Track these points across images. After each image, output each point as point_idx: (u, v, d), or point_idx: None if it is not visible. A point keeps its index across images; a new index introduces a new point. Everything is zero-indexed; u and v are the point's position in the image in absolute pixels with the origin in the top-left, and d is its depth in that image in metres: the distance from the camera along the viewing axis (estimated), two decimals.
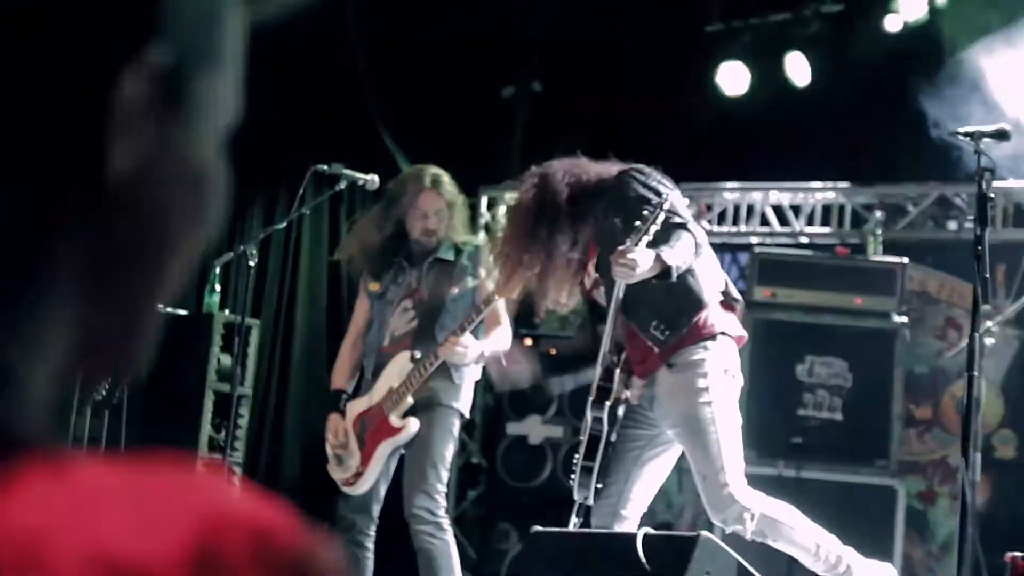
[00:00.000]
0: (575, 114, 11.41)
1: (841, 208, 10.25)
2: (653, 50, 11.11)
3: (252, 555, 0.68)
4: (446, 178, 6.82)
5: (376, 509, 6.63)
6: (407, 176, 6.96)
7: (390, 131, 10.69)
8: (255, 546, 0.69)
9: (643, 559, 4.50)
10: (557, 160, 5.94)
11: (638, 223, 4.97)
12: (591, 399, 5.37)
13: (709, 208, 10.52)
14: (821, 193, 10.23)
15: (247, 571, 0.68)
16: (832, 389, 8.54)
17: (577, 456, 5.32)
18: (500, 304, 6.53)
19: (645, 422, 5.36)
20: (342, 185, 7.11)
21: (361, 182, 7.05)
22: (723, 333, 5.31)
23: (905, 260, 8.75)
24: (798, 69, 10.33)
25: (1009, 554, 4.07)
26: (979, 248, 4.66)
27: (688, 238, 5.13)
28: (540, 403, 9.57)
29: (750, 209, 10.44)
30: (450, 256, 6.65)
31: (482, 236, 6.98)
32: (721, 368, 5.29)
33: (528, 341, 9.96)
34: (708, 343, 5.26)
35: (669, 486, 10.22)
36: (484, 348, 6.49)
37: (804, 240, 10.10)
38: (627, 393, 5.29)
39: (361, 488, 6.56)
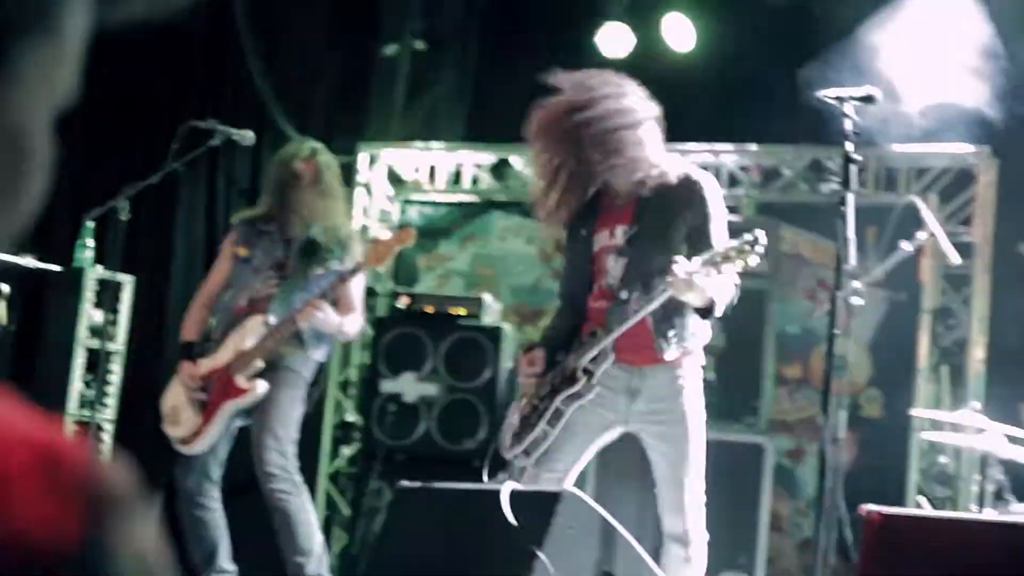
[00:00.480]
0: (456, 73, 11.40)
1: (716, 170, 10.31)
2: (536, 8, 11.11)
3: (39, 478, 0.69)
4: (325, 157, 6.85)
5: (217, 472, 6.64)
6: (286, 152, 6.95)
7: (271, 89, 10.59)
8: (42, 469, 0.69)
9: (509, 514, 4.52)
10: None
11: (723, 252, 5.03)
12: (582, 372, 5.29)
13: None
14: (695, 155, 10.28)
15: (34, 493, 0.69)
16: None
17: (517, 412, 5.42)
18: (358, 290, 6.63)
19: (611, 407, 5.42)
20: (217, 140, 7.08)
21: (236, 137, 7.03)
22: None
23: (775, 221, 8.86)
24: (678, 32, 10.36)
25: (864, 507, 4.15)
26: (843, 209, 4.74)
27: (732, 287, 5.30)
28: (415, 360, 9.58)
29: None
30: (322, 237, 6.69)
31: (354, 225, 6.95)
32: (698, 385, 5.58)
33: (405, 299, 9.97)
34: (695, 363, 5.57)
35: None
36: (343, 323, 6.57)
37: None
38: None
39: (199, 446, 6.56)
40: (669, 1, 10.42)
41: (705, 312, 5.17)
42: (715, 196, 5.54)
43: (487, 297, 9.71)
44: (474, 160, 10.88)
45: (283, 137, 10.41)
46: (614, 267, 5.37)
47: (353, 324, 6.72)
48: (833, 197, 9.20)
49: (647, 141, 5.52)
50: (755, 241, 5.02)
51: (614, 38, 10.48)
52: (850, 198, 4.73)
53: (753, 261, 5.07)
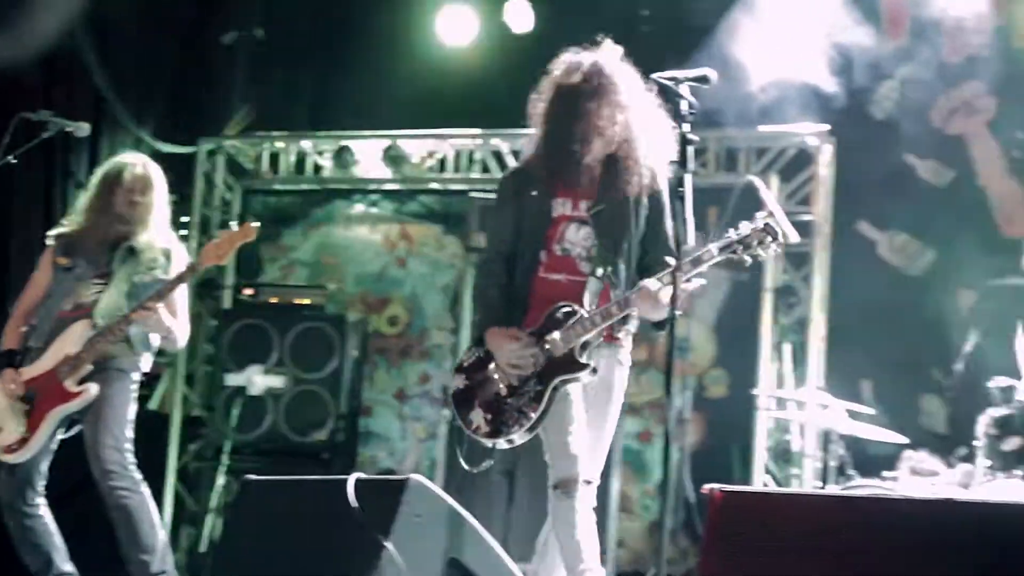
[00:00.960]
0: (298, 61, 11.28)
1: None
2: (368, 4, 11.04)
3: None
4: (148, 170, 6.76)
5: (40, 482, 6.53)
6: (112, 164, 6.85)
7: (107, 80, 10.37)
8: None
9: (355, 503, 4.48)
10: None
11: (744, 237, 5.03)
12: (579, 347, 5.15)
13: (431, 155, 10.53)
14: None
15: None
16: None
17: (508, 397, 5.16)
18: (183, 298, 6.59)
19: None
20: (50, 132, 6.94)
21: (71, 129, 6.89)
22: None
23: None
24: (519, 15, 10.36)
25: (707, 486, 4.17)
26: (681, 190, 4.75)
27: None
28: (261, 352, 9.48)
29: (471, 155, 10.47)
30: (144, 245, 6.63)
31: (176, 238, 6.86)
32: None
33: (249, 291, 9.87)
34: (629, 345, 5.43)
35: (392, 433, 10.26)
36: (172, 326, 6.51)
37: None
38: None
39: (25, 455, 6.45)
40: None
41: (662, 323, 5.14)
42: (666, 188, 5.41)
43: (331, 287, 9.63)
44: (317, 148, 10.77)
45: (121, 129, 10.23)
46: (575, 236, 5.29)
47: (180, 330, 6.64)
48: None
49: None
50: (771, 232, 5.04)
51: (456, 23, 10.46)
52: (688, 179, 4.73)
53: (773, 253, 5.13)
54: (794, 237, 7.97)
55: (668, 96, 4.99)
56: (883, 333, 9.49)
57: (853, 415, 7.77)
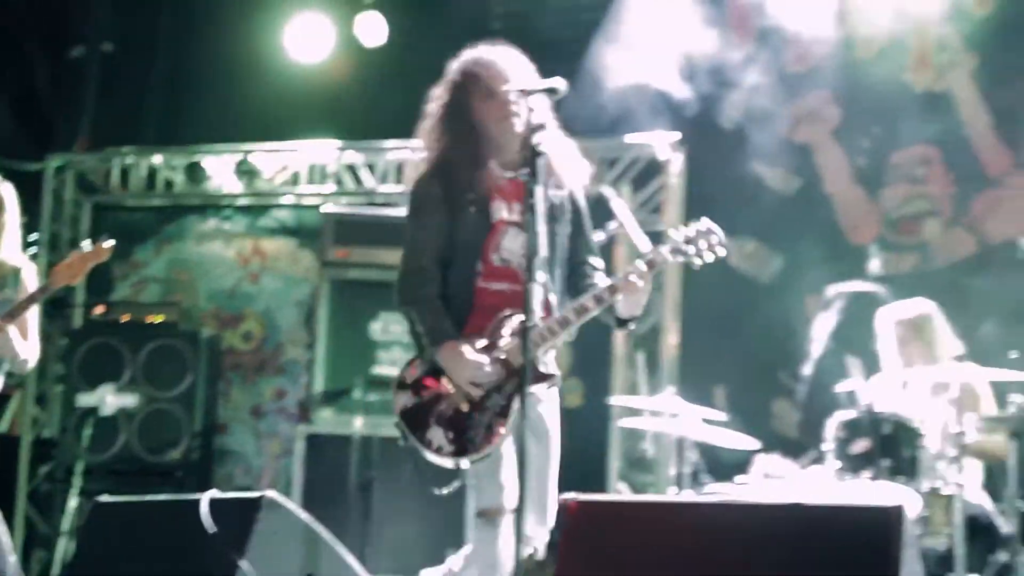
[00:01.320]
0: (148, 75, 11.16)
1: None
2: (226, 6, 10.95)
3: None
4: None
5: None
6: None
7: None
8: None
9: (209, 522, 4.43)
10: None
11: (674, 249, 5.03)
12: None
13: (284, 168, 10.47)
14: (394, 152, 10.29)
15: None
16: (407, 347, 8.60)
17: (472, 412, 4.90)
18: (34, 319, 6.48)
19: None
20: None
21: None
22: None
23: None
24: (372, 28, 10.34)
25: (561, 496, 4.19)
26: (531, 201, 4.74)
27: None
28: (112, 371, 9.33)
29: (324, 169, 10.43)
30: None
31: (26, 258, 6.73)
32: None
33: (100, 309, 9.72)
34: None
35: (248, 450, 10.17)
36: (21, 348, 6.39)
37: (380, 199, 10.13)
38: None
39: None
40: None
41: (628, 321, 5.09)
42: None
43: (183, 303, 9.51)
44: (168, 163, 10.64)
45: None
46: (512, 243, 5.08)
47: (30, 353, 6.52)
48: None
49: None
50: (711, 237, 5.09)
51: (309, 34, 10.42)
52: (538, 190, 4.73)
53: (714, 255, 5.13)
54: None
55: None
56: (734, 339, 9.62)
57: (706, 421, 7.86)
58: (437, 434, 4.86)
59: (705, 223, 5.13)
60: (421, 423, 4.88)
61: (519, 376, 4.71)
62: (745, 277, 9.83)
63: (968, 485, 6.85)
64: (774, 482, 7.65)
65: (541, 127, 4.81)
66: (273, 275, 10.44)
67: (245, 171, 10.37)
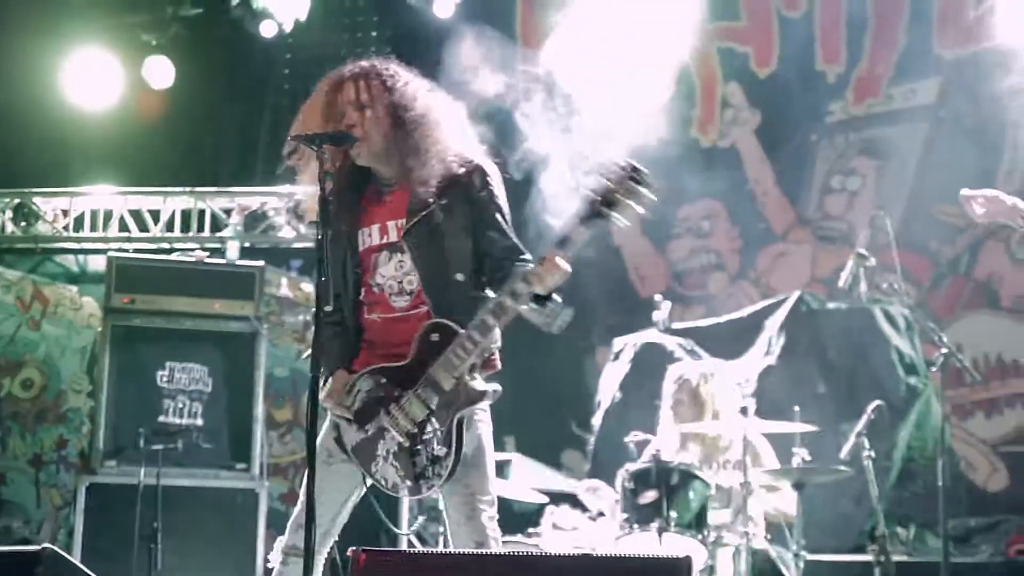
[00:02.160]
0: None
1: (201, 213, 10.22)
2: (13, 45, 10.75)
3: None
4: None
5: None
6: None
7: None
8: None
9: None
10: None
11: (607, 190, 4.49)
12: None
13: (66, 213, 10.27)
14: (179, 198, 10.16)
15: None
16: (192, 394, 8.47)
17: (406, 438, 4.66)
18: None
19: None
20: None
21: None
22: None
23: (261, 263, 8.79)
24: (159, 71, 10.22)
25: (351, 548, 4.13)
26: (322, 251, 4.67)
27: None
28: None
29: (108, 214, 10.24)
30: None
31: None
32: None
33: None
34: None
35: (27, 501, 9.87)
36: None
37: (164, 245, 9.98)
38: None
39: None
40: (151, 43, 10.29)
41: (546, 297, 4.71)
42: (500, 185, 4.91)
43: None
44: None
45: None
46: (385, 267, 4.83)
47: None
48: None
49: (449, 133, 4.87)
50: (635, 173, 4.51)
51: (98, 78, 10.27)
52: (327, 238, 4.65)
53: (647, 196, 4.55)
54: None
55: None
56: (525, 389, 9.65)
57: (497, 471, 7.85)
58: (389, 471, 4.70)
59: (618, 164, 4.57)
60: (372, 460, 4.73)
61: (451, 398, 4.63)
62: (537, 327, 9.86)
63: (754, 534, 6.96)
64: (564, 534, 7.68)
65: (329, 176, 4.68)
66: (54, 321, 10.19)
67: (25, 215, 10.12)
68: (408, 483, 4.67)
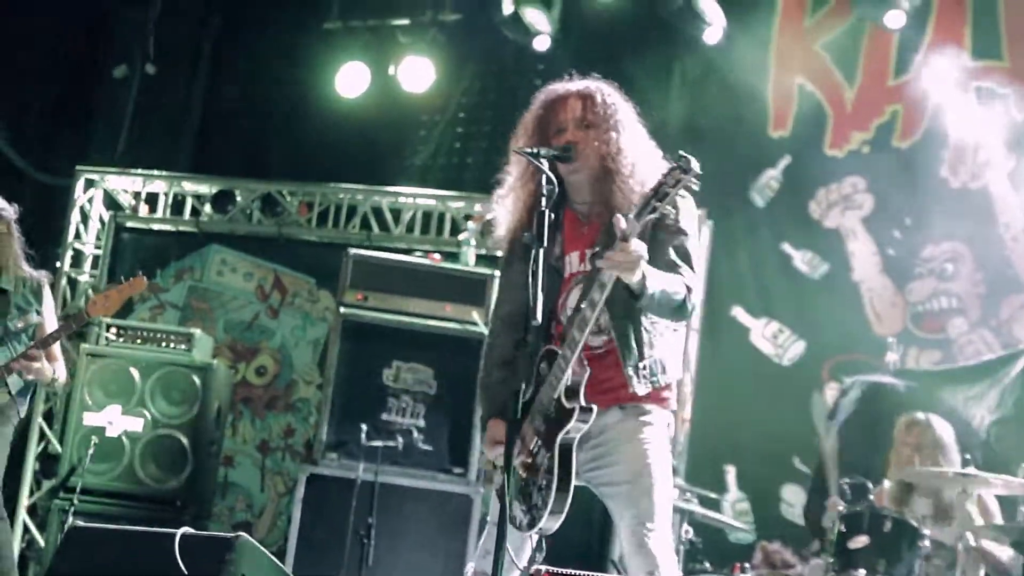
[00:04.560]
0: (185, 100, 11.17)
1: (441, 216, 10.30)
2: (270, 39, 10.99)
3: None
4: (6, 209, 6.65)
5: None
6: None
7: None
8: None
9: (179, 559, 4.34)
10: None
11: (656, 189, 4.28)
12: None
13: (310, 207, 10.45)
14: (421, 199, 10.27)
15: None
16: (417, 395, 8.52)
17: (525, 471, 4.56)
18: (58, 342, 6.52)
19: None
20: None
21: None
22: (673, 412, 4.83)
23: (496, 271, 8.81)
24: (415, 74, 10.33)
25: (535, 567, 4.08)
26: (536, 265, 4.56)
27: (683, 287, 4.55)
28: (122, 393, 9.22)
29: (351, 210, 10.41)
30: (9, 287, 6.52)
31: (44, 273, 6.75)
32: (666, 437, 4.79)
33: (115, 330, 9.65)
34: (667, 411, 4.77)
35: (252, 485, 10.08)
36: (52, 373, 6.43)
37: (402, 245, 10.10)
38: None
39: None
40: (407, 45, 10.41)
41: (638, 294, 4.43)
42: (689, 211, 4.75)
43: (198, 332, 9.41)
44: (196, 191, 10.63)
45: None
46: (575, 299, 4.68)
47: (61, 372, 6.57)
48: None
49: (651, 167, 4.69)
50: (685, 164, 4.26)
51: (351, 78, 10.43)
52: (541, 253, 4.50)
53: (692, 184, 4.27)
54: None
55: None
56: (750, 419, 9.51)
57: (709, 502, 7.75)
58: (516, 509, 4.58)
59: (667, 164, 4.36)
60: (506, 499, 4.52)
61: (553, 423, 4.48)
62: (767, 358, 9.73)
63: None
64: (775, 571, 7.54)
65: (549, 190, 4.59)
66: (291, 312, 10.38)
67: (271, 206, 10.41)
68: (526, 519, 4.51)
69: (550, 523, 4.45)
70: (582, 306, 4.51)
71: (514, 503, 4.59)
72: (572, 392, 4.49)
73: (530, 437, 4.56)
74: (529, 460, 4.55)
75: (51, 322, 6.65)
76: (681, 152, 4.28)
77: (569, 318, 4.64)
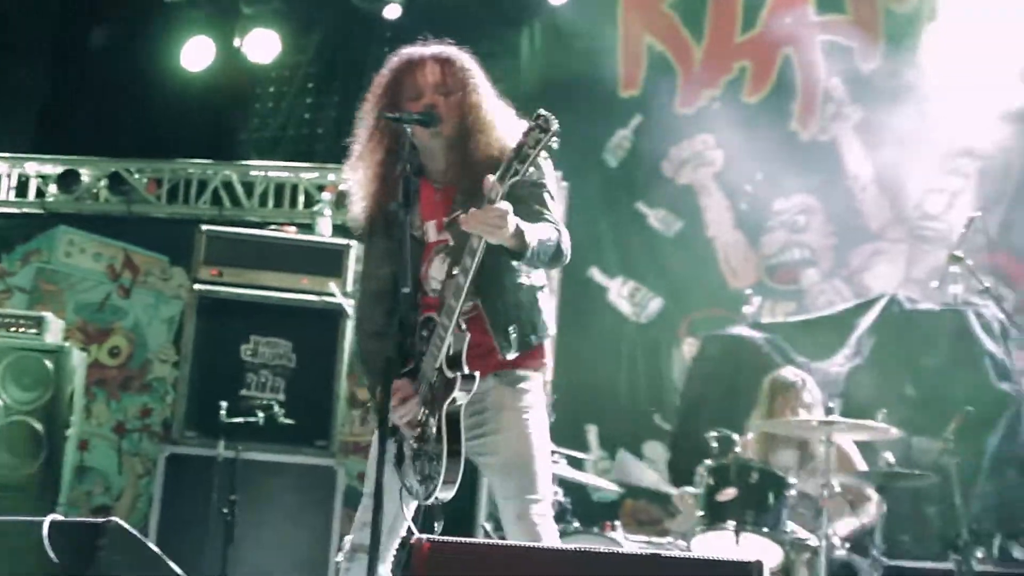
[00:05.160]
0: (27, 79, 10.97)
1: (294, 188, 10.22)
2: (111, 19, 10.81)
3: None
4: None
5: None
6: None
7: None
8: None
9: (48, 548, 4.22)
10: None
11: (517, 151, 4.18)
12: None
13: (159, 184, 10.32)
14: (273, 172, 10.18)
15: None
16: (276, 369, 8.45)
17: (416, 441, 4.51)
18: None
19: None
20: None
21: None
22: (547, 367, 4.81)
23: (352, 242, 8.74)
24: (260, 46, 10.22)
25: (415, 536, 4.04)
26: (403, 232, 4.54)
27: (554, 231, 4.50)
28: None
29: (202, 185, 10.27)
30: None
31: None
32: (543, 400, 4.77)
33: None
34: (541, 373, 4.76)
35: (109, 468, 9.91)
36: None
37: (255, 219, 9.99)
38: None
39: None
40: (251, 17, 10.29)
41: (519, 252, 4.36)
42: (549, 172, 4.71)
43: (48, 315, 9.20)
44: (41, 171, 10.41)
45: None
46: (438, 269, 4.68)
47: None
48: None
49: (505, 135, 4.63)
50: (544, 123, 4.18)
51: (196, 51, 10.31)
52: (407, 219, 4.49)
53: (551, 146, 4.20)
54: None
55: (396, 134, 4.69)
56: (608, 378, 9.57)
57: (572, 461, 7.75)
58: (411, 480, 4.57)
59: (526, 123, 4.28)
60: (404, 472, 4.59)
61: (437, 391, 4.46)
62: (624, 316, 9.79)
63: (832, 537, 6.81)
64: (642, 527, 7.59)
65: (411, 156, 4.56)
66: (144, 290, 10.22)
67: (119, 184, 10.26)
68: (422, 488, 4.50)
69: (444, 492, 4.42)
70: (454, 272, 4.46)
71: (408, 473, 4.56)
72: (454, 361, 4.46)
73: (414, 404, 4.53)
74: (418, 431, 4.52)
75: None
76: (539, 111, 4.21)
77: (443, 285, 4.61)
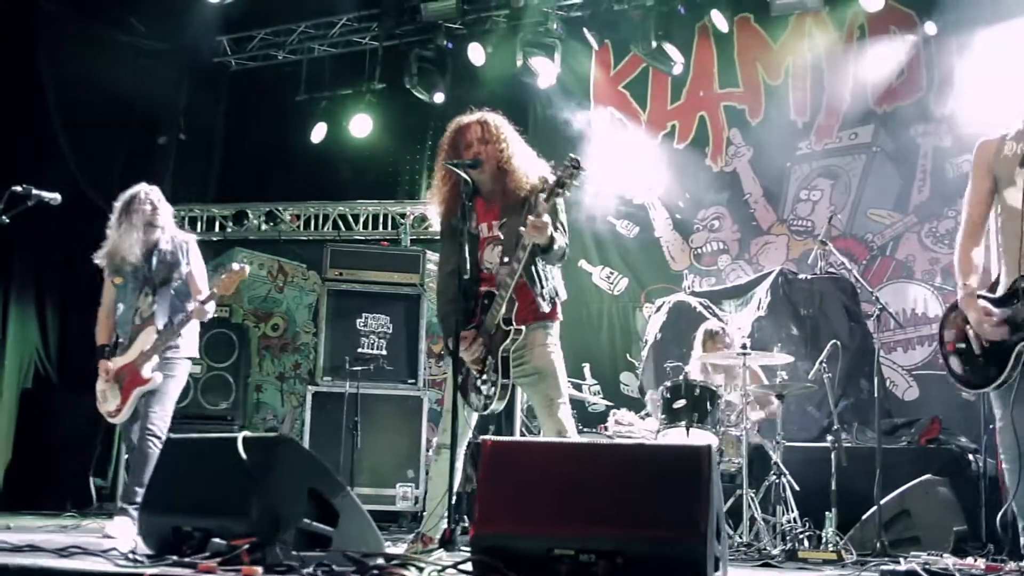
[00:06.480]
0: (207, 152, 10.91)
1: (385, 216, 10.20)
2: (261, 114, 10.73)
3: None
4: (153, 193, 6.19)
5: (136, 431, 6.02)
6: (127, 194, 6.24)
7: (76, 164, 9.79)
8: None
9: (243, 456, 4.18)
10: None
11: (556, 183, 4.32)
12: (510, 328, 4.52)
13: (299, 217, 10.29)
14: (372, 207, 10.16)
15: None
16: (379, 334, 8.46)
17: (478, 373, 4.54)
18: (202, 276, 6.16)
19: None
20: (32, 202, 6.37)
21: (48, 199, 6.32)
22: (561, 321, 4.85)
23: (423, 250, 8.76)
24: (359, 126, 10.16)
25: (482, 437, 4.00)
26: (463, 237, 4.51)
27: (564, 240, 4.60)
28: None
29: (326, 217, 10.26)
30: (169, 246, 6.12)
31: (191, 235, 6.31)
32: (559, 342, 4.83)
33: None
34: (558, 324, 4.83)
35: (275, 403, 9.88)
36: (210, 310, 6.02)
37: (360, 237, 9.99)
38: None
39: (121, 418, 6.04)
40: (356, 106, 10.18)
41: (547, 248, 4.50)
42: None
43: (233, 304, 9.21)
44: (221, 212, 10.41)
45: (86, 198, 9.68)
46: (491, 254, 4.72)
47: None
48: None
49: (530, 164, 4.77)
50: (576, 163, 4.33)
51: (320, 131, 10.25)
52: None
53: (580, 179, 4.38)
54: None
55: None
56: (596, 332, 9.52)
57: (576, 386, 7.72)
58: (473, 397, 4.62)
59: (567, 161, 4.40)
60: (464, 391, 4.64)
61: (493, 340, 4.54)
62: (603, 291, 9.74)
63: (749, 429, 6.78)
64: (624, 427, 7.53)
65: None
66: (292, 287, 10.20)
67: (271, 218, 10.23)
68: (480, 402, 4.57)
69: (498, 405, 4.54)
70: (506, 259, 4.54)
71: (471, 394, 4.60)
72: (508, 320, 4.54)
73: (478, 347, 4.57)
74: (480, 365, 4.58)
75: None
76: (572, 155, 4.36)
77: (499, 269, 4.64)
